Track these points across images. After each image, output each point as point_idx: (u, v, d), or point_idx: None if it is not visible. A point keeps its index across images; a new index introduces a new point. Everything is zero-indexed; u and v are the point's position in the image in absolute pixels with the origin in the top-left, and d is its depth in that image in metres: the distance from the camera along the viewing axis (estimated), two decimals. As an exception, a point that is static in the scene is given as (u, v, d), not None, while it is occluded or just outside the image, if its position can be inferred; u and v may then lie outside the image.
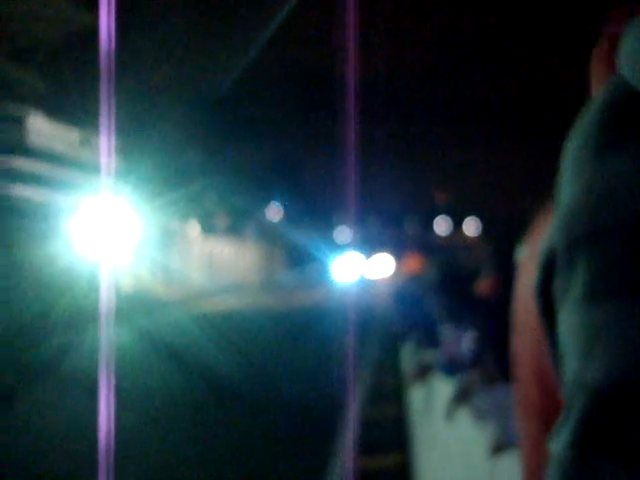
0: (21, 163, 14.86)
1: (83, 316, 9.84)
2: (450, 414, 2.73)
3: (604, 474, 0.46)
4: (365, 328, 14.16)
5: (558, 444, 0.50)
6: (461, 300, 3.02)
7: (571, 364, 0.51)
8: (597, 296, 0.49)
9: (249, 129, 20.93)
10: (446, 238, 28.02)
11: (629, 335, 0.47)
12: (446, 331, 3.56)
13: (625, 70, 0.54)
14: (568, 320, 0.52)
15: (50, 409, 6.51)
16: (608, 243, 0.50)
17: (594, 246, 0.50)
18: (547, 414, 0.58)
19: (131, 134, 14.42)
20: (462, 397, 2.50)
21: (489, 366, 2.31)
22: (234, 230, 23.85)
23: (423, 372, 4.32)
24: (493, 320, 2.47)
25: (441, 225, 29.88)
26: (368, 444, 6.33)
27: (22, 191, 14.66)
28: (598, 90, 0.58)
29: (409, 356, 6.71)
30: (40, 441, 5.83)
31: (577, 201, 0.53)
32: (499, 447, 2.04)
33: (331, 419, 7.06)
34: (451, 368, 3.05)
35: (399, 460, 5.71)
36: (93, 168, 15.23)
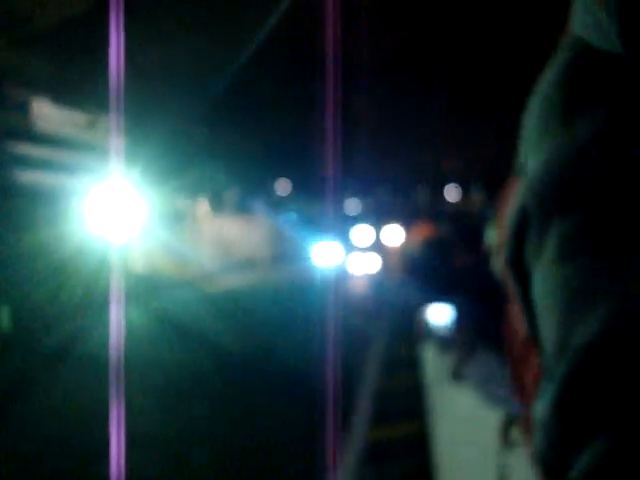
0: (28, 149, 14.89)
1: (94, 299, 9.89)
2: (451, 387, 2.73)
3: (589, 437, 0.45)
4: (379, 298, 14.23)
5: (540, 407, 0.49)
6: (440, 272, 3.01)
7: (551, 328, 0.50)
8: (573, 255, 0.49)
9: (254, 105, 20.90)
10: (456, 205, 27.94)
11: (609, 291, 0.46)
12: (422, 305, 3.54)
13: (579, 27, 0.53)
14: (543, 283, 0.51)
15: (64, 394, 6.57)
16: (581, 201, 0.49)
17: (566, 206, 0.49)
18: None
19: (138, 115, 14.40)
20: (457, 372, 2.50)
21: (470, 335, 2.29)
22: (243, 207, 23.89)
23: (436, 340, 4.31)
24: (472, 289, 2.47)
25: (452, 192, 29.89)
26: (382, 414, 6.37)
27: (30, 176, 14.70)
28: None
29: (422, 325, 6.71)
30: (53, 427, 5.90)
31: (546, 164, 0.52)
32: (509, 421, 2.03)
33: (344, 391, 7.09)
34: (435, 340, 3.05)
35: (413, 429, 5.73)
36: (101, 150, 15.24)
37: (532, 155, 0.55)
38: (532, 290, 0.53)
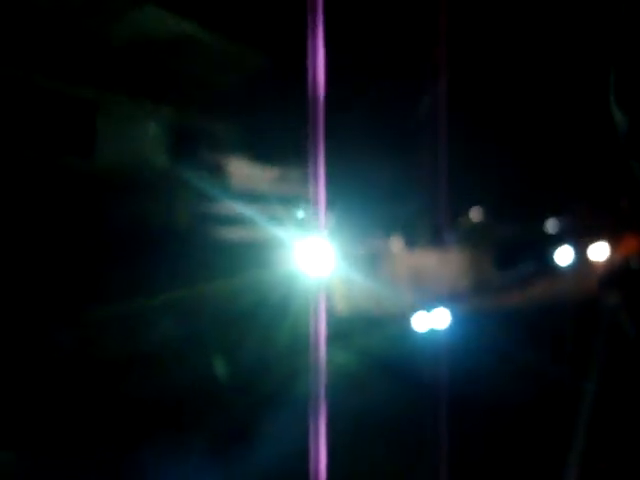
0: (227, 207, 15.75)
1: (301, 341, 10.18)
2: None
3: None
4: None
5: None
6: None
7: None
8: None
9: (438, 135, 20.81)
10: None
11: None
12: None
13: None
14: None
15: (277, 438, 6.78)
16: None
17: None
18: None
19: (335, 161, 14.77)
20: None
21: None
22: (438, 239, 23.67)
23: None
24: None
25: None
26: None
27: (231, 232, 15.52)
28: None
29: None
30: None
31: None
32: None
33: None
34: None
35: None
36: (294, 201, 15.82)
37: None
38: None
